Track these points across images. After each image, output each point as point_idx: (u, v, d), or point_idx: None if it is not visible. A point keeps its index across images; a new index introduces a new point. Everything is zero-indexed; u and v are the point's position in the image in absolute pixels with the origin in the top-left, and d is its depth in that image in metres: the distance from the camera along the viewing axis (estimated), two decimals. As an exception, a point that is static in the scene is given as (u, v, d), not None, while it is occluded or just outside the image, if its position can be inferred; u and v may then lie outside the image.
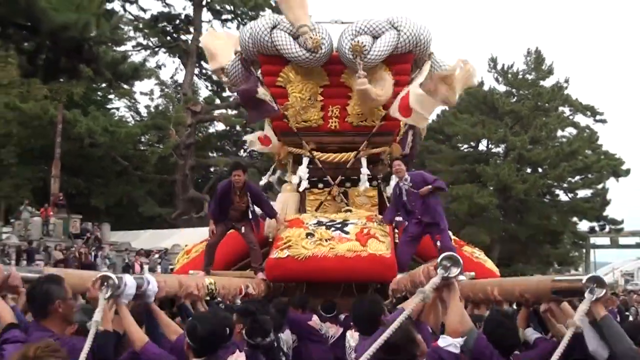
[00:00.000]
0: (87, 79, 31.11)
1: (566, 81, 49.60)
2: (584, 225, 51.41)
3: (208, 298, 6.21)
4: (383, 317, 4.72)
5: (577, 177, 48.23)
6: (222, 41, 11.12)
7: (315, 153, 10.15)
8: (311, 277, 8.25)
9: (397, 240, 9.21)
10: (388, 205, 9.81)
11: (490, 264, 10.15)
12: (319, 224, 9.11)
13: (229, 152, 43.88)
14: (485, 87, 50.24)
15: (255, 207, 8.83)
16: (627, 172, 49.01)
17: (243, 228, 8.75)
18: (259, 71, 10.34)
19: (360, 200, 10.13)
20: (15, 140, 38.21)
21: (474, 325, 4.23)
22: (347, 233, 8.79)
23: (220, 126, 47.30)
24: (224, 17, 46.99)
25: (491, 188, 46.42)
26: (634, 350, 3.80)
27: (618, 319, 16.45)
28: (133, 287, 4.17)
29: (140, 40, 46.82)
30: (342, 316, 8.00)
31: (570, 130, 50.46)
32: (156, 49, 47.62)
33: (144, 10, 47.19)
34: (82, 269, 25.14)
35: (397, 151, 10.47)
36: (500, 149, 50.04)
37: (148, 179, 43.94)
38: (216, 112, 44.92)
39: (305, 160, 10.14)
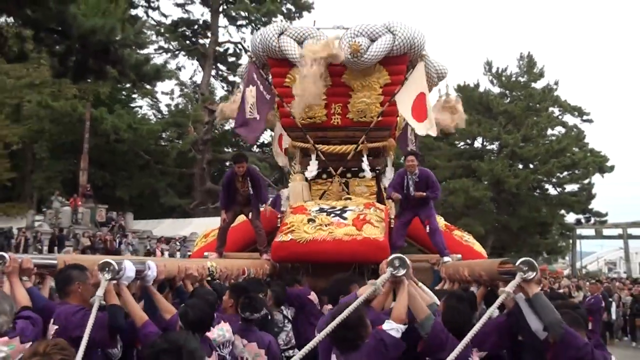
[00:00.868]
0: (113, 80, 30.98)
1: (556, 83, 49.60)
2: (571, 218, 51.38)
3: (209, 278, 6.30)
4: (341, 298, 4.92)
5: (565, 173, 48.16)
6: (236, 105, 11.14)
7: (318, 146, 10.25)
8: (312, 258, 8.32)
9: (392, 226, 9.37)
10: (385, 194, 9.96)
11: (478, 247, 10.24)
12: (321, 210, 9.20)
13: (243, 147, 43.97)
14: (481, 89, 50.38)
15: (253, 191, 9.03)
16: (612, 168, 48.86)
17: (250, 214, 9.05)
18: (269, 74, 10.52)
19: (359, 190, 10.19)
20: (47, 136, 38.41)
21: (431, 313, 4.42)
22: (345, 219, 8.87)
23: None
24: (238, 22, 47.04)
25: (486, 182, 46.43)
26: (560, 320, 4.04)
27: (602, 304, 16.61)
28: (132, 271, 4.35)
29: (162, 43, 47.02)
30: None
31: (559, 129, 50.37)
32: (176, 52, 47.77)
33: (165, 16, 47.48)
34: (108, 254, 25.36)
35: (393, 146, 10.68)
36: (494, 146, 50.00)
37: (168, 172, 43.92)
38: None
39: (314, 155, 10.28)
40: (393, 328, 4.17)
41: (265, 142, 45.66)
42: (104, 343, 4.25)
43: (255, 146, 46.07)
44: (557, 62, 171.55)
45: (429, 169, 9.02)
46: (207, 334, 4.98)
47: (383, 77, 9.85)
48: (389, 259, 4.45)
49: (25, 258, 4.63)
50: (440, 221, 10.25)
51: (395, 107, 9.85)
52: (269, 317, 6.05)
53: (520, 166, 47.94)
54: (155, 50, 45.43)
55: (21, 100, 37.11)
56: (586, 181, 48.77)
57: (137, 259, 5.42)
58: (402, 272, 4.35)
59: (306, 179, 10.38)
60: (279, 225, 9.38)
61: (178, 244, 30.09)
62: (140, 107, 48.38)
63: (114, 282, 4.20)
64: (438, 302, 4.86)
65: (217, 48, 46.87)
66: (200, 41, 48.03)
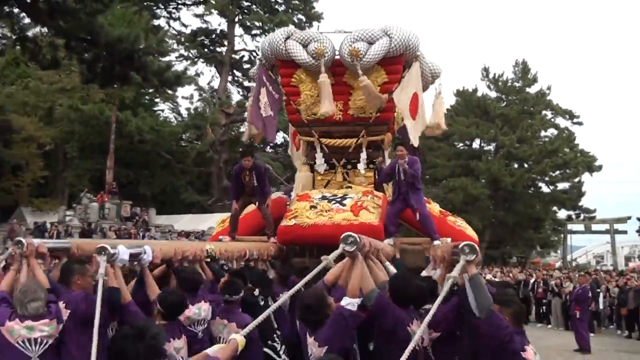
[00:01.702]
0: (137, 85, 30.97)
1: (548, 88, 49.58)
2: (562, 214, 51.34)
3: (208, 259, 6.45)
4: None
5: (557, 172, 48.13)
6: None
7: (322, 140, 10.41)
8: (313, 241, 8.42)
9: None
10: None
11: (470, 231, 10.36)
12: (323, 198, 9.36)
13: (257, 148, 44.08)
14: (479, 93, 50.39)
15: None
16: (600, 167, 48.85)
17: (258, 202, 9.29)
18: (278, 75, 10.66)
19: (359, 180, 10.29)
20: (77, 137, 38.53)
21: (375, 287, 4.66)
22: (344, 205, 9.02)
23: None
24: (253, 32, 47.22)
25: (483, 181, 46.46)
26: (490, 302, 4.31)
27: (590, 294, 16.67)
28: (126, 254, 4.84)
29: (182, 52, 47.16)
30: None
31: (552, 131, 50.28)
32: (195, 60, 47.95)
33: (185, 26, 47.87)
34: (132, 246, 25.64)
35: (389, 140, 10.84)
36: (491, 147, 49.94)
37: (188, 171, 44.04)
38: (246, 114, 45.04)
39: (319, 149, 10.44)
40: (349, 303, 4.41)
41: (278, 142, 45.94)
42: (105, 318, 4.55)
43: (268, 147, 46.26)
44: (550, 68, 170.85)
45: (416, 158, 9.09)
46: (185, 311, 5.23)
47: (381, 77, 9.94)
48: (342, 237, 4.61)
49: (40, 243, 4.99)
50: (436, 207, 10.49)
51: (392, 103, 9.94)
52: (258, 301, 6.14)
53: (516, 166, 47.97)
54: (176, 57, 45.59)
55: (53, 104, 37.28)
56: (576, 180, 48.78)
57: (136, 243, 5.71)
58: (351, 248, 4.52)
59: (312, 170, 10.57)
60: None
61: (196, 237, 30.17)
62: (162, 110, 48.54)
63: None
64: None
65: (233, 56, 47.05)
66: (218, 49, 48.34)
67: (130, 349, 2.61)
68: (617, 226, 49.37)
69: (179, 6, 47.41)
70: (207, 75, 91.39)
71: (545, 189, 49.87)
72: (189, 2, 47.05)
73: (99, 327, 4.27)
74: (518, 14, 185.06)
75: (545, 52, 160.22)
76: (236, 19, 46.18)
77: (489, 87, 50.73)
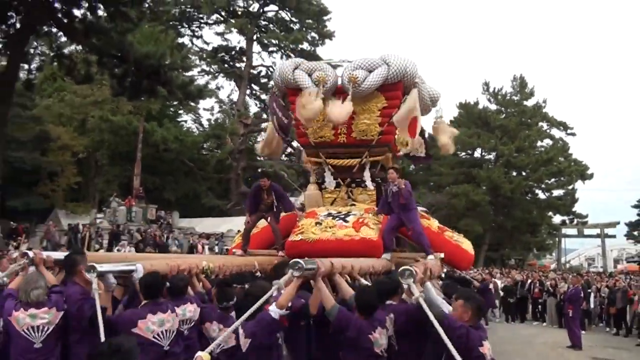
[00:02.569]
0: (163, 98, 31.40)
1: (544, 101, 49.77)
2: (557, 219, 51.32)
3: (203, 275, 6.45)
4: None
5: (552, 180, 48.20)
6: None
7: (329, 160, 10.50)
8: (318, 255, 8.11)
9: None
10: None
11: (466, 246, 10.17)
12: (328, 215, 9.50)
13: (271, 158, 44.09)
14: (480, 106, 50.52)
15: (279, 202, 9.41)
16: (592, 176, 48.93)
17: (269, 218, 9.41)
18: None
19: (362, 198, 10.37)
20: (107, 145, 38.61)
21: (335, 303, 4.82)
22: (347, 222, 9.16)
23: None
24: (270, 49, 47.45)
25: (484, 187, 46.54)
26: (440, 311, 4.57)
27: (582, 294, 16.68)
28: (111, 279, 5.04)
29: (204, 67, 47.48)
30: None
31: (548, 142, 50.33)
32: (216, 74, 48.25)
33: (207, 44, 48.18)
34: (157, 248, 25.93)
35: (389, 161, 10.80)
36: (491, 156, 50.03)
37: (208, 177, 44.07)
38: (263, 125, 45.28)
39: (327, 170, 10.55)
40: (274, 310, 4.53)
41: (292, 151, 46.06)
42: (84, 331, 4.91)
43: (283, 155, 46.37)
44: (546, 83, 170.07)
45: (407, 182, 8.93)
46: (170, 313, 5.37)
47: (381, 102, 10.06)
48: (291, 262, 4.67)
49: (47, 255, 5.61)
50: (434, 223, 10.41)
51: (392, 127, 10.01)
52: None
53: (514, 174, 48.01)
54: (198, 72, 45.97)
55: (86, 115, 37.46)
56: (570, 187, 48.87)
57: (132, 257, 5.91)
58: (297, 274, 4.57)
59: (320, 188, 10.69)
60: None
61: (216, 239, 30.26)
62: (185, 121, 48.59)
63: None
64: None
65: (252, 71, 47.26)
66: (237, 65, 48.58)
67: None
68: (607, 231, 49.24)
69: (202, 25, 47.74)
70: (227, 88, 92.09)
71: (541, 195, 49.96)
72: (211, 21, 47.32)
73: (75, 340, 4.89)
74: (516, 32, 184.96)
75: (541, 68, 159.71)
76: (254, 37, 46.45)
77: (489, 100, 50.94)
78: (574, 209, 50.14)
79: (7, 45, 22.18)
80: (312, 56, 43.38)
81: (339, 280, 5.31)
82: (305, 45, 47.12)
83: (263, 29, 47.20)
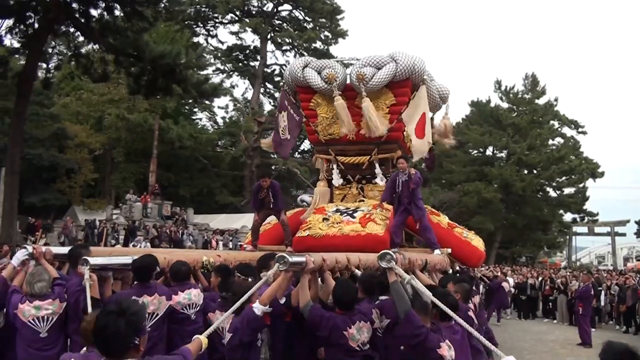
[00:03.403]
0: (178, 96, 31.49)
1: (556, 100, 49.37)
2: (568, 217, 51.09)
3: (203, 270, 6.42)
4: (263, 272, 5.20)
5: (563, 178, 47.91)
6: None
7: (338, 157, 10.49)
8: (324, 250, 7.92)
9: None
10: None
11: (476, 242, 10.09)
12: (337, 211, 9.44)
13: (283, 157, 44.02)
14: (492, 104, 50.21)
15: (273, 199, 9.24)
16: (602, 174, 48.64)
17: (280, 215, 9.27)
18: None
19: (372, 194, 10.30)
20: (123, 143, 38.83)
21: (310, 300, 4.72)
22: (354, 218, 9.08)
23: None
24: (284, 47, 47.36)
25: (496, 185, 46.33)
26: (407, 307, 4.53)
27: (592, 292, 16.54)
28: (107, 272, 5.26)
29: (219, 65, 47.40)
30: None
31: (559, 140, 50.05)
32: (231, 73, 48.21)
33: (222, 43, 48.25)
34: (172, 243, 26.08)
35: (399, 156, 10.43)
36: (503, 154, 49.71)
37: (223, 174, 44.12)
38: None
39: (335, 167, 10.52)
40: (257, 307, 4.46)
41: (305, 149, 46.08)
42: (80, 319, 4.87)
43: (296, 152, 46.40)
44: (557, 81, 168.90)
45: (417, 171, 8.93)
46: (174, 297, 5.42)
47: (389, 99, 10.02)
48: (277, 256, 4.57)
49: (47, 249, 5.65)
50: (444, 219, 10.36)
51: (401, 124, 9.96)
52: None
53: (526, 171, 47.67)
54: (213, 71, 45.84)
55: (103, 113, 37.69)
56: (581, 185, 48.56)
57: (134, 251, 5.96)
58: (282, 267, 4.47)
59: (329, 185, 10.65)
60: None
61: (230, 235, 30.36)
62: (200, 119, 48.73)
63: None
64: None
65: (265, 69, 47.29)
66: (251, 63, 48.57)
67: (112, 324, 2.64)
68: (617, 229, 49.03)
69: (217, 24, 47.75)
70: (241, 87, 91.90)
71: (552, 193, 49.68)
72: (226, 21, 47.34)
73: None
74: (528, 30, 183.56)
75: (553, 66, 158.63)
76: (268, 36, 46.41)
77: (501, 98, 50.67)
78: (584, 207, 49.83)
79: (26, 45, 22.35)
80: (325, 55, 43.45)
81: (326, 277, 5.21)
82: (318, 44, 47.08)
83: (277, 28, 47.20)
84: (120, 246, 22.93)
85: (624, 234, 50.52)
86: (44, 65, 26.17)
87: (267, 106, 49.27)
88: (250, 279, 5.17)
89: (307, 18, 47.08)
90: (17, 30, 21.92)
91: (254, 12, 46.42)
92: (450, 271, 8.95)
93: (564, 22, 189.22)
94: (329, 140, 10.51)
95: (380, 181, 10.24)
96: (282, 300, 4.63)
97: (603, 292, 19.92)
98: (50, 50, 24.87)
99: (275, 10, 46.91)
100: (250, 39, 49.70)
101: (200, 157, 42.10)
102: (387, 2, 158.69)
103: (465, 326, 4.38)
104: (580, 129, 50.12)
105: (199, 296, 5.58)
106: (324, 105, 10.33)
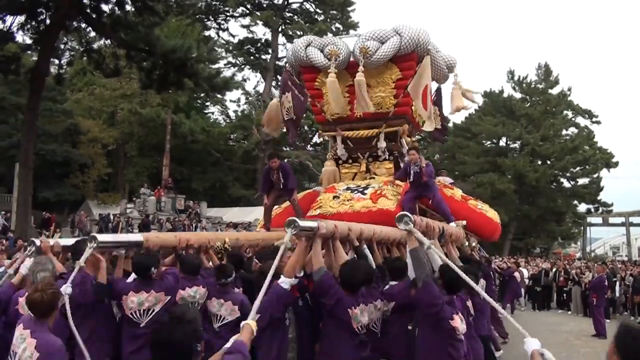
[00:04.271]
0: (190, 90, 31.59)
1: (569, 89, 49.04)
2: (582, 207, 50.76)
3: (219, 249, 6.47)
4: None
5: (577, 168, 47.59)
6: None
7: (346, 133, 10.30)
8: None
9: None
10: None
11: (491, 214, 10.04)
12: (347, 189, 9.30)
13: (299, 146, 44.12)
14: (505, 94, 49.91)
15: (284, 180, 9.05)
16: (617, 164, 48.28)
17: (291, 194, 9.06)
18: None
19: (379, 172, 10.12)
20: (136, 137, 39.00)
21: (323, 266, 4.61)
22: (365, 194, 8.97)
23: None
24: (295, 40, 47.17)
25: (509, 176, 46.10)
26: (425, 274, 4.57)
27: (606, 283, 16.41)
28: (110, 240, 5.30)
29: (230, 59, 47.55)
30: None
31: (572, 130, 49.67)
32: (242, 66, 48.23)
33: (233, 36, 48.21)
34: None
35: (406, 130, 10.35)
36: (516, 145, 49.48)
37: (235, 167, 44.24)
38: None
39: (339, 140, 10.33)
40: (283, 281, 4.43)
41: (317, 141, 45.99)
42: (94, 306, 4.97)
43: (308, 145, 46.36)
44: (570, 71, 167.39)
45: (429, 162, 8.81)
46: (181, 291, 5.41)
47: (395, 73, 9.81)
48: (287, 220, 4.47)
49: (55, 242, 5.71)
50: (458, 192, 10.26)
51: (408, 98, 9.69)
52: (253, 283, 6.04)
53: (539, 162, 47.42)
54: (224, 65, 46.03)
55: (115, 108, 37.88)
56: (595, 175, 48.17)
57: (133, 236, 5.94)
58: (293, 231, 4.39)
59: (337, 164, 10.48)
60: None
61: (243, 228, 30.36)
62: (212, 113, 48.84)
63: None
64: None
65: (277, 62, 47.16)
66: (263, 57, 48.58)
67: (172, 334, 2.65)
68: (632, 219, 48.67)
69: (228, 18, 47.80)
70: (253, 80, 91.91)
71: (566, 184, 49.41)
72: (237, 14, 47.35)
73: (89, 311, 4.91)
74: (541, 20, 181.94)
75: (566, 55, 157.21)
76: (279, 29, 46.37)
77: (514, 88, 50.36)
78: (599, 198, 49.40)
79: (38, 41, 22.44)
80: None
81: (337, 246, 5.05)
82: (329, 35, 46.88)
83: (288, 21, 47.13)
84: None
85: (639, 225, 50.09)
86: (56, 61, 26.33)
87: (279, 99, 49.17)
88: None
89: (318, 10, 47.00)
90: (29, 26, 22.01)
91: (264, 5, 46.39)
92: (466, 243, 8.84)
93: (577, 11, 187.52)
94: (336, 119, 10.33)
95: (383, 154, 10.08)
96: (291, 280, 4.54)
97: (617, 283, 19.76)
98: (62, 46, 24.99)
99: (286, 2, 46.82)
100: (262, 32, 49.90)
101: (213, 150, 42.22)
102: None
103: (484, 296, 4.43)
104: (594, 119, 49.75)
105: (203, 294, 5.55)
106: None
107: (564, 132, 49.15)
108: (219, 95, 43.06)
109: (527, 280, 21.62)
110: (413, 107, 10.11)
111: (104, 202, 35.14)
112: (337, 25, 47.00)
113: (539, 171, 45.38)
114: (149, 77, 24.22)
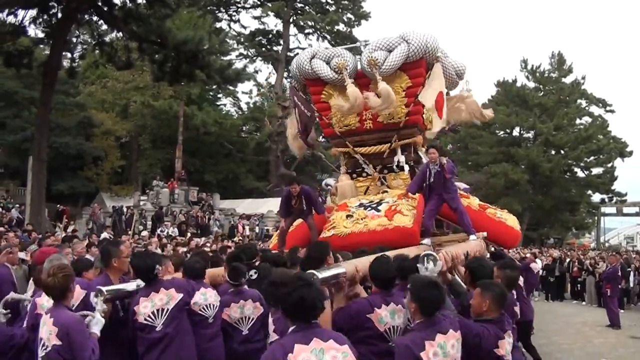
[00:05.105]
0: (202, 82, 31.64)
1: (583, 78, 48.73)
2: (596, 197, 50.46)
3: None
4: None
5: (591, 158, 47.34)
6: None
7: (357, 148, 10.05)
8: (351, 249, 7.13)
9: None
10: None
11: (511, 222, 9.73)
12: (360, 205, 8.96)
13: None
14: (518, 84, 49.70)
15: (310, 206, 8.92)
16: (631, 153, 47.92)
17: (307, 218, 8.91)
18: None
19: (395, 183, 9.84)
20: (149, 130, 39.16)
21: None
22: (379, 211, 8.62)
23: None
24: (306, 31, 47.18)
25: (523, 166, 45.96)
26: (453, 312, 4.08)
27: (620, 273, 16.30)
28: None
29: (242, 51, 47.58)
30: None
31: (586, 119, 49.39)
32: (254, 58, 48.29)
33: (245, 28, 48.22)
34: (199, 228, 26.23)
35: (421, 140, 10.21)
36: (530, 135, 49.27)
37: (248, 159, 44.37)
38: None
39: (359, 158, 10.10)
40: None
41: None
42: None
43: (321, 136, 46.22)
44: (584, 59, 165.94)
45: (449, 159, 8.45)
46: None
47: (405, 82, 9.57)
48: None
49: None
50: (475, 201, 10.01)
51: (419, 106, 9.50)
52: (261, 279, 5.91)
53: (553, 152, 47.23)
54: (236, 56, 46.04)
55: (128, 100, 38.02)
56: (609, 165, 47.91)
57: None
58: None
59: (352, 178, 10.19)
60: None
61: (256, 220, 30.52)
62: (225, 105, 48.93)
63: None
64: None
65: (289, 53, 47.03)
66: (274, 48, 48.52)
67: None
68: (646, 209, 48.29)
69: (239, 9, 47.75)
70: (265, 72, 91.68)
71: (580, 173, 49.21)
72: (248, 5, 47.31)
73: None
74: (554, 8, 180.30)
75: (580, 44, 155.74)
76: (291, 20, 46.28)
77: (527, 77, 50.04)
78: (613, 187, 49.05)
79: (50, 35, 22.49)
80: (348, 37, 43.27)
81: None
82: (341, 27, 46.82)
83: (299, 12, 47.03)
84: (148, 232, 23.15)
85: (654, 214, 49.82)
86: (69, 55, 26.35)
87: (291, 91, 49.17)
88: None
89: (329, 0, 46.80)
90: (40, 20, 22.06)
91: (275, -4, 46.29)
92: (488, 255, 8.68)
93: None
94: (345, 132, 10.09)
95: (404, 168, 9.82)
96: None
97: (632, 273, 19.63)
98: (74, 39, 24.95)
99: (297, -7, 46.70)
100: (273, 23, 49.60)
101: (225, 142, 42.36)
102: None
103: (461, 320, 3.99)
104: (608, 108, 49.32)
105: (215, 297, 5.40)
106: (336, 96, 9.71)
107: (577, 121, 48.82)
108: (230, 87, 43.07)
109: (540, 271, 21.53)
110: (424, 115, 9.90)
111: (117, 195, 35.35)
112: (349, 15, 46.84)
113: (553, 161, 45.14)
114: (161, 69, 24.21)
